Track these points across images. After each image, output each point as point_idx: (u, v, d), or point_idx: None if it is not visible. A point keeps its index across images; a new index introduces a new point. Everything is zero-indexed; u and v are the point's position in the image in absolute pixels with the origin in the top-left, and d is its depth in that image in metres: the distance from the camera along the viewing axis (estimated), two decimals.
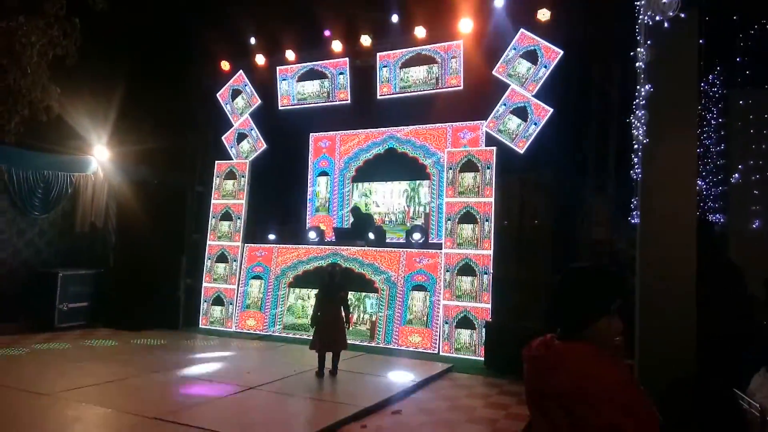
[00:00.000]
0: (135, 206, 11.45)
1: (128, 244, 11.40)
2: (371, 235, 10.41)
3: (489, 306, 8.93)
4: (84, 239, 11.77)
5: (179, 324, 10.98)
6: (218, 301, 11.27)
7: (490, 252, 9.13)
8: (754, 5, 7.14)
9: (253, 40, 11.64)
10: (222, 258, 11.49)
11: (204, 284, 11.47)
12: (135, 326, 10.37)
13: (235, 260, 11.34)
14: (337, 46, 11.03)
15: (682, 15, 2.53)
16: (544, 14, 9.16)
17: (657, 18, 2.90)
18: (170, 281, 11.12)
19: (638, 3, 3.33)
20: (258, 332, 10.63)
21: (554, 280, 2.02)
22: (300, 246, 10.96)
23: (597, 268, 2.01)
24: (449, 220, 9.56)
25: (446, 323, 9.20)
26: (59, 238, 11.48)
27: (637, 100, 4.71)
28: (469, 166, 9.60)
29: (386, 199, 11.24)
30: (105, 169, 12.03)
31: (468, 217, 9.42)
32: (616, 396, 1.73)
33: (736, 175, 6.80)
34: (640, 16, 3.73)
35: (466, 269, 9.24)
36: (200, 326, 11.20)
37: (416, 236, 10.12)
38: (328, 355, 7.40)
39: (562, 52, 9.11)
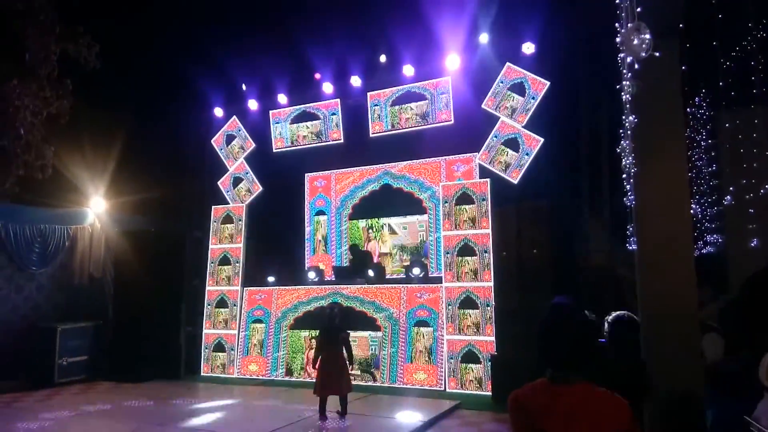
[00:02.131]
0: (132, 256, 11.41)
1: (127, 294, 11.32)
2: (371, 272, 10.37)
3: (493, 339, 8.84)
4: (82, 291, 11.69)
5: (181, 373, 10.83)
6: (219, 347, 11.14)
7: (491, 283, 9.09)
8: (733, 28, 7.29)
9: (244, 86, 11.84)
10: (222, 303, 11.41)
11: (204, 331, 11.36)
12: (136, 378, 10.23)
13: (235, 305, 11.27)
14: (327, 87, 11.23)
15: (657, 54, 2.59)
16: (528, 47, 9.35)
17: (630, 59, 2.98)
18: (170, 330, 10.99)
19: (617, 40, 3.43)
20: (261, 377, 10.48)
21: (545, 318, 1.97)
22: (300, 287, 10.91)
23: (579, 306, 2.00)
24: (448, 253, 9.55)
25: (451, 358, 9.09)
26: (57, 291, 11.42)
27: (624, 130, 4.77)
28: (464, 198, 9.64)
29: (387, 235, 11.26)
30: (102, 221, 12.05)
31: (466, 250, 9.41)
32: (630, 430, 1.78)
33: (728, 197, 6.82)
34: (619, 54, 3.83)
35: (468, 302, 9.18)
36: (202, 374, 11.05)
37: (416, 271, 10.08)
38: (331, 399, 7.28)
39: (548, 83, 9.26)
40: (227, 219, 11.85)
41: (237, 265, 11.50)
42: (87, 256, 11.82)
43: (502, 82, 9.70)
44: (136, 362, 10.47)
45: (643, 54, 2.56)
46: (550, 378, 1.92)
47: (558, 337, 1.93)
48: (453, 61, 9.99)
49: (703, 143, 7.88)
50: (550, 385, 1.91)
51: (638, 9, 2.77)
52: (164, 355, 10.75)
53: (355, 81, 10.96)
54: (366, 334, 9.87)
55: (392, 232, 11.18)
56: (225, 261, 11.63)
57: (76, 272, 11.69)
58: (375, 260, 10.92)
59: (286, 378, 10.26)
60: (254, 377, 10.53)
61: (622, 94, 4.40)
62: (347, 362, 7.37)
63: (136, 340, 10.63)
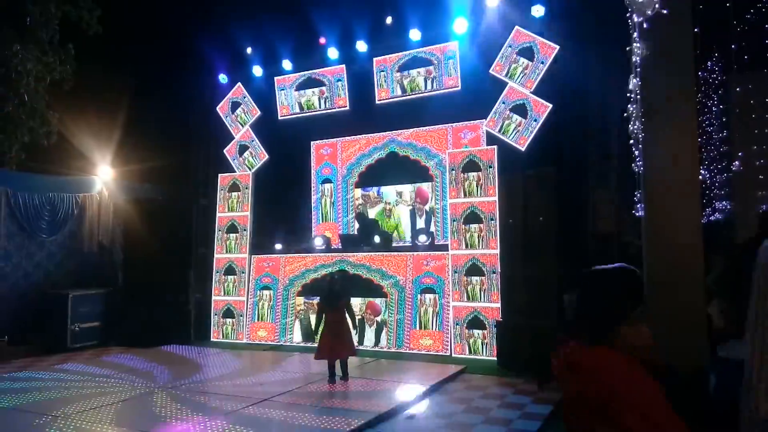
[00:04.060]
0: (141, 223, 11.51)
1: (136, 261, 11.46)
2: (377, 240, 10.41)
3: (499, 305, 8.90)
4: (92, 259, 11.85)
5: (191, 338, 11.03)
6: (228, 313, 11.30)
7: (497, 251, 9.11)
8: None
9: (249, 52, 11.69)
10: (230, 270, 11.53)
11: (213, 297, 11.51)
12: (147, 343, 10.41)
13: (243, 272, 11.38)
14: (333, 53, 11.07)
15: (665, 11, 2.52)
16: (538, 10, 9.14)
17: (638, 18, 2.90)
18: (180, 296, 11.16)
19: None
20: (269, 343, 10.65)
21: (578, 283, 1.97)
22: (307, 254, 10.98)
23: (617, 270, 1.92)
24: (454, 220, 9.55)
25: (457, 324, 9.18)
26: (68, 259, 11.56)
27: (632, 95, 4.69)
28: (471, 166, 9.58)
29: (395, 203, 11.25)
30: (109, 189, 12.11)
31: (473, 217, 9.41)
32: (637, 405, 1.68)
33: (736, 163, 6.75)
34: (629, 16, 3.74)
35: (474, 269, 9.22)
36: (212, 339, 11.24)
37: (422, 238, 10.11)
38: (338, 362, 7.41)
39: (558, 47, 9.08)
40: (234, 187, 11.86)
41: (244, 233, 11.57)
42: (96, 223, 11.94)
43: (510, 47, 9.52)
44: (146, 328, 10.66)
45: (649, 12, 2.49)
46: (584, 341, 1.91)
47: (581, 301, 1.95)
48: (460, 25, 9.80)
49: (714, 108, 7.75)
50: (578, 346, 1.90)
51: None
52: (174, 321, 10.95)
53: (361, 46, 10.79)
54: (378, 300, 9.99)
55: (403, 199, 11.16)
56: (232, 229, 11.70)
57: (85, 240, 11.82)
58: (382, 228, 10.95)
59: (295, 343, 10.42)
60: (263, 342, 10.71)
61: (632, 56, 4.32)
62: (350, 327, 7.50)
63: (146, 307, 10.81)
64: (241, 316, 11.15)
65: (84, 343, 10.61)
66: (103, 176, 12.08)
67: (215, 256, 11.71)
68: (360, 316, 9.84)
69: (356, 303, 9.51)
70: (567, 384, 1.89)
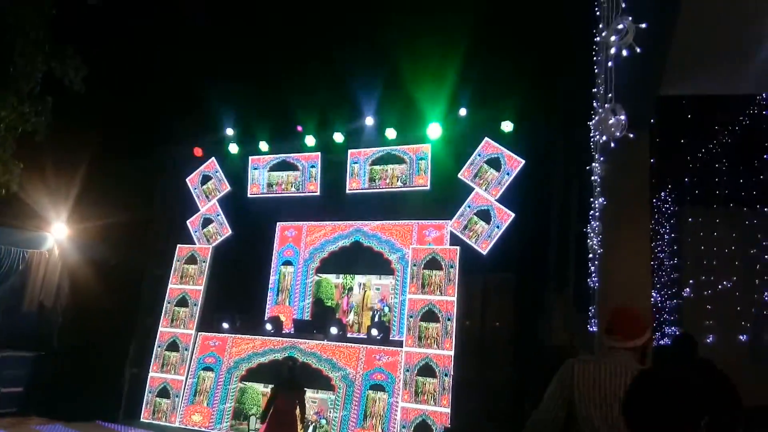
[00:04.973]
0: (88, 286, 11.02)
1: (75, 326, 10.84)
2: (333, 330, 10.16)
3: (449, 410, 8.64)
4: (30, 319, 11.17)
5: (119, 416, 10.24)
6: (164, 392, 10.62)
7: (451, 353, 8.98)
8: (701, 130, 7.71)
9: (228, 131, 11.86)
10: (173, 346, 10.97)
11: (150, 374, 10.83)
12: (71, 416, 9.66)
13: (186, 349, 10.84)
14: (310, 140, 11.35)
15: (631, 135, 2.73)
16: (507, 125, 9.68)
17: (605, 139, 3.13)
18: (115, 369, 10.49)
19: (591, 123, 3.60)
20: (203, 429, 9.97)
21: (630, 387, 1.76)
22: (256, 337, 10.59)
23: (680, 376, 1.71)
24: (411, 317, 9.45)
25: (403, 428, 8.82)
26: (3, 316, 10.87)
27: (592, 212, 4.91)
28: (433, 263, 9.65)
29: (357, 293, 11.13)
30: (61, 247, 11.67)
31: (430, 315, 9.34)
32: None
33: (687, 290, 6.99)
34: (592, 135, 4.00)
35: (427, 370, 9.01)
36: (142, 419, 10.46)
37: (374, 332, 9.92)
38: None
39: (523, 162, 9.54)
40: (191, 259, 11.58)
41: (195, 307, 11.16)
42: (40, 282, 11.38)
43: (479, 155, 9.96)
44: (73, 399, 9.91)
45: (618, 134, 2.68)
46: None
47: (634, 409, 1.72)
48: (434, 130, 10.27)
49: (666, 236, 8.13)
50: None
51: (610, 94, 2.93)
52: (104, 395, 10.22)
53: (338, 137, 11.12)
54: (326, 396, 9.57)
55: (366, 290, 11.06)
56: (183, 302, 11.27)
57: (26, 298, 11.22)
58: (338, 317, 10.73)
59: None
60: (196, 429, 10.02)
61: (593, 175, 4.56)
62: (299, 420, 7.12)
63: (77, 376, 10.10)
64: (177, 396, 10.49)
65: (2, 410, 9.75)
66: (57, 234, 11.67)
67: (160, 329, 11.17)
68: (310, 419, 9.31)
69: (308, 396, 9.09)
70: None
